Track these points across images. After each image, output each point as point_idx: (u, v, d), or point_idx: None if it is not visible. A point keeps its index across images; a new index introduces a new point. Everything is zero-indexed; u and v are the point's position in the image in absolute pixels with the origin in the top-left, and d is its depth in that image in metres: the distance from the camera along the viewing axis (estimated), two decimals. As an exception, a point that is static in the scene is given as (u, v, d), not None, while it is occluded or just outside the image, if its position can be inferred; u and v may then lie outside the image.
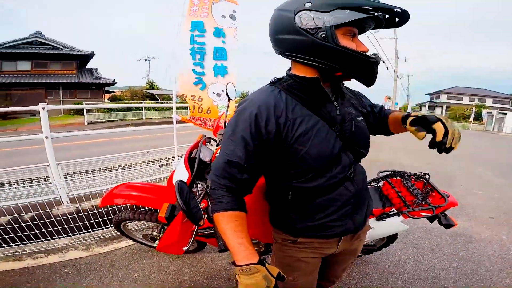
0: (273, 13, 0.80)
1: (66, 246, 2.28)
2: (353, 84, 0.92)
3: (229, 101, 1.75)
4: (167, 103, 16.23)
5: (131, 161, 3.16)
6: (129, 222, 2.01)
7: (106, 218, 2.40)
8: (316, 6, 0.69)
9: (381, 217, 1.38)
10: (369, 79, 0.78)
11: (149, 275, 1.99)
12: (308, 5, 0.70)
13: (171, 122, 2.78)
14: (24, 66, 18.46)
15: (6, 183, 2.59)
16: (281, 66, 1.03)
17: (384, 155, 6.56)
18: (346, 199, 0.88)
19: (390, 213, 1.36)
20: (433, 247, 2.42)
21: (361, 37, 0.80)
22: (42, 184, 2.63)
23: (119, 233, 2.05)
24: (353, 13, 0.69)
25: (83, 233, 2.36)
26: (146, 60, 32.10)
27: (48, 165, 2.66)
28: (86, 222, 2.35)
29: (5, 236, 2.07)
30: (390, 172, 1.56)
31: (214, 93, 2.49)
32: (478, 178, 4.96)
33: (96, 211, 2.37)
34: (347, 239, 0.98)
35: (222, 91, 2.49)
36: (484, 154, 8.16)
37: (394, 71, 18.89)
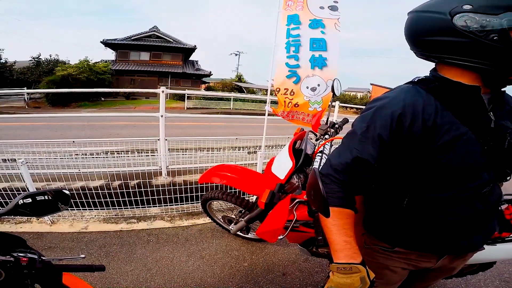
0: (412, 16, 0.77)
1: (155, 215, 2.58)
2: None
3: (333, 97, 1.67)
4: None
5: (221, 145, 3.40)
6: (214, 201, 2.11)
7: (194, 194, 2.61)
8: (481, 9, 0.64)
9: (494, 241, 1.27)
10: None
11: (215, 255, 2.10)
12: (467, 7, 0.65)
13: (255, 114, 2.83)
14: (145, 56, 22.32)
15: (121, 151, 3.14)
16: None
17: None
18: (471, 218, 0.79)
19: (506, 239, 1.26)
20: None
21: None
22: (148, 155, 3.06)
23: (202, 209, 2.18)
24: None
25: (172, 205, 2.62)
26: (236, 55, 34.40)
27: (158, 139, 3.10)
28: (178, 195, 2.61)
29: (114, 199, 2.44)
30: None
31: (308, 87, 2.33)
32: None
33: (187, 186, 2.59)
34: (451, 256, 0.90)
35: (318, 85, 2.31)
36: None
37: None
